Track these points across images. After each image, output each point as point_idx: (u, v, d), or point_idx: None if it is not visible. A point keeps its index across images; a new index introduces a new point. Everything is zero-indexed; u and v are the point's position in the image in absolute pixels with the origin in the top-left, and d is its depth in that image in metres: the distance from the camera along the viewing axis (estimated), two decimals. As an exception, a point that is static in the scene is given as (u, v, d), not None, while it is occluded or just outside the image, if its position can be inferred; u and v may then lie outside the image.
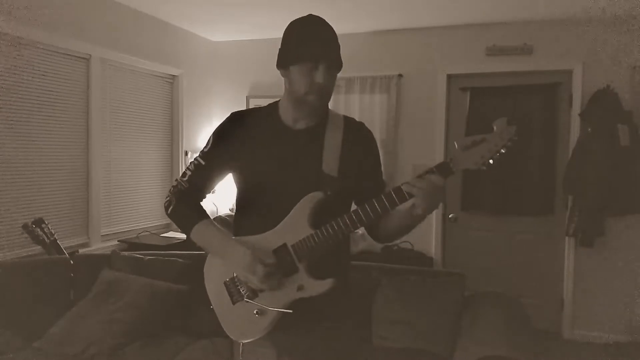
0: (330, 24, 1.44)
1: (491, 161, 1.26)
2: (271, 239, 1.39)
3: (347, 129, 1.47)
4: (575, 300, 4.05)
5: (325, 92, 1.39)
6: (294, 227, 1.37)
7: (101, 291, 2.73)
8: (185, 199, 1.50)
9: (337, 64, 1.40)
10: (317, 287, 1.34)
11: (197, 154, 1.53)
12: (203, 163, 1.49)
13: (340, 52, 1.43)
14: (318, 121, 1.46)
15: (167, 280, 2.79)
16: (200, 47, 4.84)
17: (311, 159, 1.41)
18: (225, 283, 1.45)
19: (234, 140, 1.47)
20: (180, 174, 1.54)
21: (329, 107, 1.52)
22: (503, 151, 1.25)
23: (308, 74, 1.36)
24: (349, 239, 1.48)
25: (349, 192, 1.45)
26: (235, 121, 1.51)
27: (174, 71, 4.47)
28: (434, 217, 4.32)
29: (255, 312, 1.38)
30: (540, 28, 4.05)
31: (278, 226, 1.39)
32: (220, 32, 4.71)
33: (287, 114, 1.46)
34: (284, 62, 1.42)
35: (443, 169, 1.28)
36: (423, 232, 4.31)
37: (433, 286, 2.65)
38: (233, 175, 1.51)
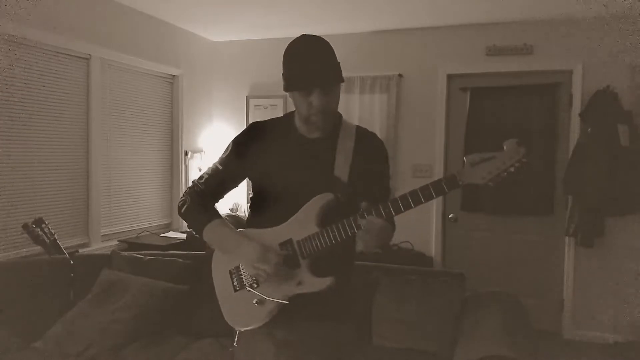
0: (323, 38, 1.45)
1: (499, 179, 1.30)
2: (279, 233, 1.46)
3: (359, 138, 1.54)
4: (575, 300, 4.05)
5: (325, 111, 1.44)
6: (302, 224, 1.43)
7: (101, 291, 2.73)
8: (199, 200, 1.56)
9: (331, 83, 1.43)
10: (316, 284, 1.40)
11: (216, 159, 1.60)
12: (220, 168, 1.56)
13: (337, 65, 1.44)
14: (331, 130, 1.52)
15: (167, 280, 2.79)
16: (200, 47, 4.84)
17: (324, 164, 1.48)
18: (230, 271, 1.53)
19: (252, 148, 1.55)
20: (198, 176, 1.61)
21: (343, 117, 1.58)
22: (512, 170, 1.29)
23: (305, 99, 1.42)
24: (353, 240, 1.51)
25: (358, 197, 1.49)
26: (254, 131, 1.58)
27: (174, 71, 4.47)
28: (434, 217, 4.33)
29: (255, 301, 1.45)
30: (540, 28, 4.05)
31: (287, 222, 1.46)
32: (220, 32, 4.71)
33: (301, 124, 1.52)
34: (285, 87, 1.47)
35: (450, 182, 1.32)
36: (423, 232, 4.31)
37: (433, 286, 2.65)
38: (249, 177, 1.59)
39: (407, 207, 1.33)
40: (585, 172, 3.79)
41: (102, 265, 2.92)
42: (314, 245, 1.41)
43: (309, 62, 1.41)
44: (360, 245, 1.36)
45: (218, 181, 1.57)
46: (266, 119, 1.62)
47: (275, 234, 1.46)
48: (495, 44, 4.16)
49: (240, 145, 1.56)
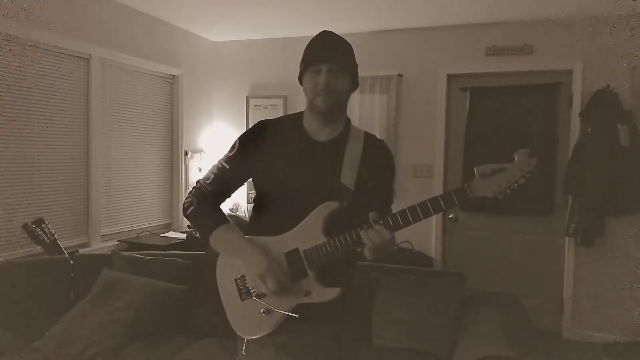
0: (340, 35, 1.52)
1: (509, 191, 1.28)
2: (285, 241, 1.43)
3: (367, 145, 1.52)
4: (575, 300, 4.05)
5: (330, 93, 1.43)
6: (308, 233, 1.41)
7: (101, 291, 2.73)
8: (206, 201, 1.53)
9: (340, 65, 1.45)
10: (324, 294, 1.38)
11: (221, 158, 1.57)
12: (227, 167, 1.53)
13: (349, 55, 1.50)
14: (339, 134, 1.51)
15: (167, 280, 2.79)
16: (200, 47, 4.84)
17: (331, 170, 1.46)
18: (235, 279, 1.49)
19: (258, 147, 1.52)
20: (204, 176, 1.57)
21: (351, 122, 1.57)
22: (522, 182, 1.28)
23: (313, 79, 1.44)
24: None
25: (364, 205, 1.46)
26: (261, 129, 1.55)
27: (174, 71, 4.47)
28: (434, 217, 4.31)
29: (262, 311, 1.42)
30: (540, 28, 4.04)
31: (292, 230, 1.43)
32: (220, 32, 4.72)
33: (309, 125, 1.52)
34: (299, 75, 1.52)
35: (460, 195, 1.30)
36: (423, 232, 4.31)
37: (433, 286, 2.65)
38: (253, 179, 1.56)
39: (417, 219, 1.32)
40: (585, 172, 3.79)
41: (102, 265, 2.92)
42: (321, 255, 1.38)
43: (322, 43, 1.49)
44: (367, 254, 1.34)
45: (224, 181, 1.54)
46: (269, 118, 1.59)
47: (281, 243, 1.43)
48: (495, 44, 4.16)
49: (247, 144, 1.54)
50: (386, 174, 1.55)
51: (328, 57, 1.44)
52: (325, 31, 1.52)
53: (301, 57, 1.52)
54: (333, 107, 1.46)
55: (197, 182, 1.57)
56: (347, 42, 1.51)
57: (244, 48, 4.94)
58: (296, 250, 1.41)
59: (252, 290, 1.46)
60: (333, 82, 1.44)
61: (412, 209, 1.32)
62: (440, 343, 2.46)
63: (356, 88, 1.54)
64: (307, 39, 1.56)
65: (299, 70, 1.53)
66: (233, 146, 1.55)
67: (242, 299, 1.48)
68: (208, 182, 1.53)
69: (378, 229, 1.31)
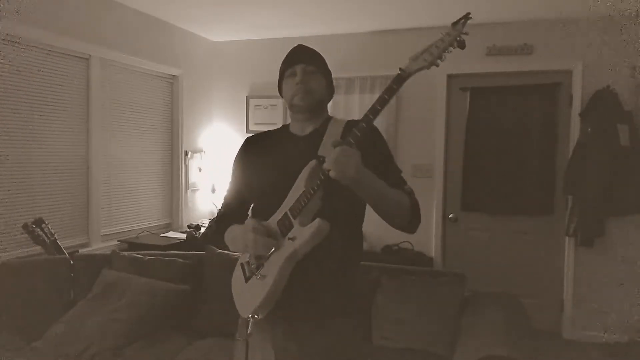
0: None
1: (444, 56, 1.31)
2: (277, 216, 1.49)
3: (348, 126, 1.58)
4: (575, 300, 4.05)
5: (306, 91, 1.53)
6: (293, 197, 1.45)
7: (101, 291, 2.74)
8: (223, 222, 1.66)
9: (314, 65, 1.57)
10: (305, 232, 1.38)
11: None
12: (234, 188, 1.69)
13: (324, 64, 1.61)
14: (319, 126, 1.59)
15: (167, 280, 2.79)
16: (200, 47, 4.84)
17: (310, 155, 1.49)
18: (242, 264, 1.58)
19: (249, 161, 1.66)
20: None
21: (333, 117, 1.64)
22: (455, 46, 1.30)
23: (291, 82, 1.57)
24: (350, 204, 1.49)
25: None
26: (248, 145, 1.71)
27: (174, 71, 4.47)
28: (434, 217, 4.32)
29: (257, 277, 1.47)
30: (540, 28, 4.05)
31: (283, 204, 1.48)
32: (220, 32, 4.72)
33: (293, 128, 1.62)
34: (278, 84, 1.65)
35: (397, 79, 1.37)
36: (423, 232, 4.31)
37: (433, 286, 2.65)
38: (250, 189, 1.65)
39: (375, 113, 1.42)
40: (585, 172, 3.80)
41: (102, 265, 2.93)
42: (302, 203, 1.41)
43: (296, 52, 1.61)
44: (332, 175, 1.31)
45: (233, 199, 1.68)
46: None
47: (274, 219, 1.49)
48: (495, 44, 4.16)
49: (238, 161, 1.68)
50: (376, 149, 1.58)
51: (302, 59, 1.57)
52: (298, 45, 1.65)
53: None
54: (311, 105, 1.55)
55: (218, 210, 1.74)
56: (319, 53, 1.62)
57: (244, 48, 4.94)
58: (285, 214, 1.45)
59: (252, 266, 1.51)
60: (309, 80, 1.54)
61: (365, 114, 1.41)
62: (440, 343, 2.47)
63: (332, 94, 1.65)
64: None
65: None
66: (232, 168, 1.70)
67: (246, 281, 1.53)
68: (223, 208, 1.70)
69: (333, 145, 1.34)
